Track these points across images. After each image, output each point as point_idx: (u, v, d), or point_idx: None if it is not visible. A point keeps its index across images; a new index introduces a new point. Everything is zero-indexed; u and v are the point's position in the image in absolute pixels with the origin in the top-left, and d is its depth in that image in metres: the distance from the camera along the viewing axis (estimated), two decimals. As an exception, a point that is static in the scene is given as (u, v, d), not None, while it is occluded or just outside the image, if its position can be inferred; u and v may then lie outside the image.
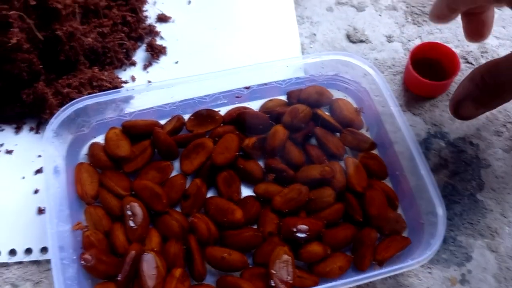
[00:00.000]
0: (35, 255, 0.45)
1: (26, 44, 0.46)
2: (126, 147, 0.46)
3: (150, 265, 0.41)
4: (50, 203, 0.40)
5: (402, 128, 0.45)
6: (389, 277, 0.45)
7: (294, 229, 0.42)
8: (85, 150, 0.47)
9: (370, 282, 0.45)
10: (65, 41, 0.48)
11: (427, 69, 0.51)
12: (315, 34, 0.58)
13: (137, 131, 0.47)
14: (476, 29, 0.46)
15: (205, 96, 0.49)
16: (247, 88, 0.50)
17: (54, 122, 0.43)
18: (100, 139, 0.48)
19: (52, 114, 0.48)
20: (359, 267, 0.43)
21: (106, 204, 0.44)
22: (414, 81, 0.52)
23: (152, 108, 0.48)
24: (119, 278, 0.40)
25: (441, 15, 0.46)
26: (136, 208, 0.43)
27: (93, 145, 0.47)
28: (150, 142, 0.47)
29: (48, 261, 0.45)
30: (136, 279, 0.41)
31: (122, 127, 0.47)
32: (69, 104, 0.44)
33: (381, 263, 0.43)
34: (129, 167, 0.46)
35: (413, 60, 0.52)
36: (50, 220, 0.40)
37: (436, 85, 0.51)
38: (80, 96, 0.47)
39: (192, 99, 0.49)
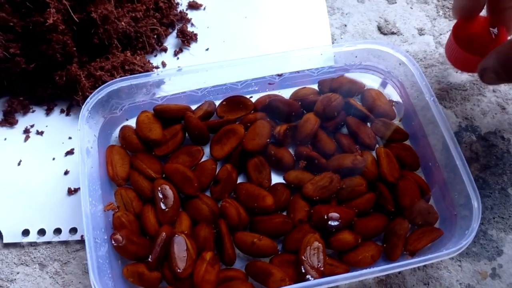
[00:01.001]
0: (64, 236, 0.45)
1: (62, 25, 0.46)
2: (158, 130, 0.46)
3: (180, 247, 0.41)
4: (84, 181, 0.40)
5: (438, 118, 0.44)
6: (419, 268, 0.45)
7: (326, 217, 0.42)
8: (116, 132, 0.48)
9: (400, 273, 0.45)
10: (100, 24, 0.48)
11: (471, 43, 0.47)
12: (345, 25, 0.58)
13: (169, 115, 0.47)
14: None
15: (237, 82, 0.49)
16: (279, 75, 0.49)
17: (90, 101, 0.43)
18: (131, 122, 0.48)
19: (84, 96, 0.48)
20: (390, 257, 0.42)
21: (137, 186, 0.44)
22: (458, 56, 0.48)
23: (183, 92, 0.48)
24: (149, 260, 0.40)
25: (465, 7, 0.45)
26: (167, 191, 0.43)
27: (125, 128, 0.47)
28: (181, 127, 0.47)
29: (76, 242, 0.45)
30: (166, 261, 0.41)
31: (154, 111, 0.47)
32: (104, 85, 0.44)
33: (412, 254, 0.42)
34: (160, 151, 0.46)
35: (456, 35, 0.48)
36: (84, 198, 0.40)
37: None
38: (112, 79, 0.47)
39: (224, 85, 0.49)
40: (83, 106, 0.43)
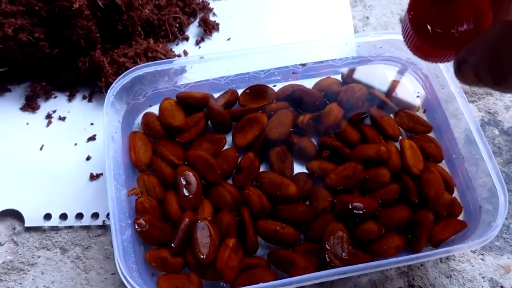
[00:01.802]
0: (86, 220, 0.45)
1: (87, 11, 0.46)
2: (181, 117, 0.46)
3: (204, 233, 0.41)
4: (110, 166, 0.40)
5: (464, 111, 0.44)
6: (441, 261, 0.45)
7: (350, 206, 0.42)
8: (139, 119, 0.48)
9: (422, 265, 0.44)
10: (124, 10, 0.48)
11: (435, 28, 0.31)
12: (368, 18, 0.58)
13: (192, 103, 0.47)
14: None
15: (260, 71, 0.49)
16: (303, 65, 0.49)
17: (115, 87, 0.43)
18: (154, 109, 0.48)
19: (107, 83, 0.48)
20: (414, 248, 0.42)
21: (160, 172, 0.44)
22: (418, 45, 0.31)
23: (207, 80, 0.48)
24: (173, 245, 0.40)
25: None
26: (190, 177, 0.43)
27: (148, 115, 0.47)
28: (204, 114, 0.47)
29: (98, 227, 0.45)
30: (189, 247, 0.41)
31: (177, 98, 0.47)
32: (129, 70, 0.44)
33: (436, 245, 0.42)
34: (183, 138, 0.46)
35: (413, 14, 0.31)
36: (110, 182, 0.40)
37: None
38: (135, 66, 0.47)
39: (247, 73, 0.49)
40: (108, 91, 0.43)
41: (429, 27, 0.30)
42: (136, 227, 0.40)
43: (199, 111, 0.47)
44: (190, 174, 0.43)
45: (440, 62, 0.31)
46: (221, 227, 0.42)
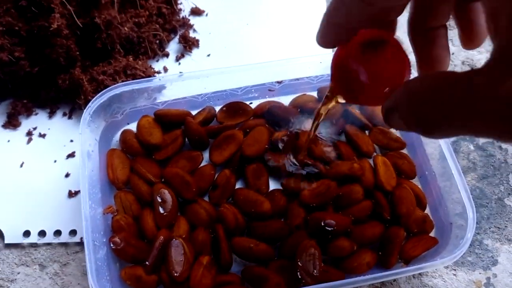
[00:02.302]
0: (64, 237, 0.46)
1: (66, 30, 0.47)
2: (158, 135, 0.47)
3: (178, 251, 0.41)
4: (84, 184, 0.41)
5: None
6: (414, 277, 0.45)
7: (322, 223, 0.42)
8: (117, 136, 0.48)
9: (395, 281, 0.45)
10: (103, 29, 0.49)
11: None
12: (346, 33, 0.58)
13: (169, 120, 0.48)
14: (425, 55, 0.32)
15: (237, 88, 0.50)
16: (279, 82, 0.50)
17: (92, 106, 0.44)
18: (132, 126, 0.48)
19: (86, 100, 0.49)
20: (385, 265, 0.43)
21: (137, 190, 0.45)
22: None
23: (184, 98, 0.49)
24: (147, 263, 0.41)
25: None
26: (166, 195, 0.44)
27: (126, 132, 0.47)
28: (181, 132, 0.48)
29: (76, 244, 0.46)
30: (163, 264, 0.41)
31: (155, 116, 0.48)
32: (106, 89, 0.45)
33: (407, 262, 0.43)
34: (160, 155, 0.47)
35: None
36: (84, 200, 0.40)
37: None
38: (115, 84, 0.48)
39: (224, 91, 0.49)
40: (84, 110, 0.44)
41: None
42: (112, 245, 0.41)
43: (176, 128, 0.48)
44: (166, 192, 0.44)
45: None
46: (196, 244, 0.42)
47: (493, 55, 0.21)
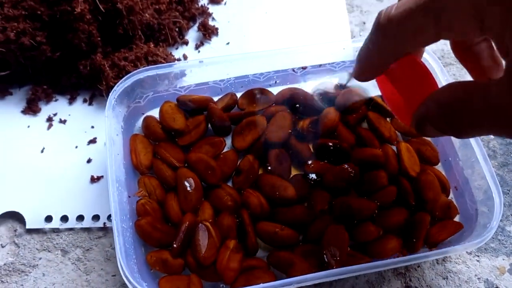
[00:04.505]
0: (87, 222, 0.45)
1: (88, 15, 0.47)
2: (181, 120, 0.46)
3: (204, 235, 0.41)
4: (112, 167, 0.41)
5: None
6: (438, 262, 0.45)
7: (347, 208, 0.42)
8: (139, 122, 0.48)
9: (419, 266, 0.45)
10: (125, 15, 0.49)
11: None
12: (364, 23, 0.58)
13: (192, 106, 0.47)
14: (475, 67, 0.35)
15: (259, 75, 0.49)
16: (303, 68, 0.50)
17: (117, 89, 0.44)
18: (154, 112, 0.48)
19: (108, 86, 0.49)
20: (410, 250, 0.43)
21: (161, 174, 0.45)
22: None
23: (206, 84, 0.49)
24: (174, 245, 0.40)
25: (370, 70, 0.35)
26: (190, 180, 0.44)
27: (148, 118, 0.47)
28: (204, 117, 0.47)
29: (99, 229, 0.45)
30: (190, 248, 0.41)
31: (177, 101, 0.47)
32: (130, 74, 0.45)
33: (433, 247, 0.43)
34: (183, 140, 0.46)
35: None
36: (112, 184, 0.40)
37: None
38: (136, 70, 0.47)
39: (246, 76, 0.49)
40: (110, 94, 0.44)
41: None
42: (137, 228, 0.41)
43: (199, 114, 0.48)
44: (190, 176, 0.44)
45: None
46: (222, 229, 0.42)
47: (505, 71, 0.26)
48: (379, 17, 0.31)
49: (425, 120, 0.31)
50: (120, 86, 0.44)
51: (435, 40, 0.30)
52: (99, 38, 0.49)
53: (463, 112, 0.28)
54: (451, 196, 0.46)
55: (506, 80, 0.26)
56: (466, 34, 0.28)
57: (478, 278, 0.45)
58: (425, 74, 0.33)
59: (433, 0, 0.27)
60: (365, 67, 0.35)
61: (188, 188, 0.43)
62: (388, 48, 0.32)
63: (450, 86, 0.29)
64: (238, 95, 0.49)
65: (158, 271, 0.41)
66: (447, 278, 0.45)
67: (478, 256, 0.46)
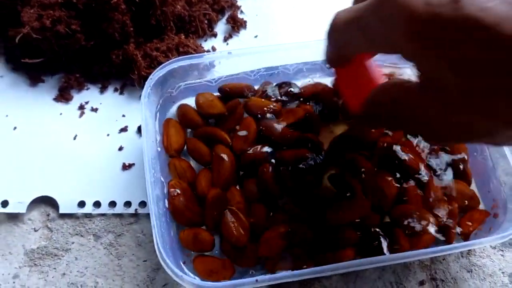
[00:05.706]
0: (119, 208, 0.46)
1: (123, 5, 0.48)
2: (220, 105, 0.47)
3: (235, 216, 0.42)
4: (149, 153, 0.42)
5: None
6: (462, 256, 0.46)
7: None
8: (170, 113, 0.49)
9: (444, 259, 0.46)
10: (158, 6, 0.50)
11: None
12: (391, 19, 0.59)
13: (232, 94, 0.48)
14: None
15: (289, 65, 0.50)
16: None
17: (153, 78, 0.45)
18: (185, 102, 0.49)
19: (140, 76, 0.49)
20: (447, 240, 0.43)
21: (196, 152, 0.45)
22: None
23: (237, 74, 0.49)
24: (205, 224, 0.42)
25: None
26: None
27: (184, 106, 0.48)
28: (242, 105, 0.47)
29: (130, 215, 0.46)
30: (221, 227, 0.42)
31: (219, 90, 0.48)
32: (164, 63, 0.46)
33: (467, 236, 0.43)
34: (222, 127, 0.47)
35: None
36: (149, 169, 0.41)
37: None
38: (167, 60, 0.48)
39: (276, 68, 0.50)
40: (146, 82, 0.45)
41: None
42: (171, 205, 0.42)
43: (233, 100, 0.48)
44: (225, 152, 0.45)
45: None
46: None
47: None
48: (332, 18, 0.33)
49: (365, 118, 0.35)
50: (156, 75, 0.45)
51: (368, 51, 0.34)
52: (132, 28, 0.50)
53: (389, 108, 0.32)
54: (476, 189, 0.47)
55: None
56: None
57: (503, 272, 0.46)
58: (368, 75, 0.36)
59: (361, 16, 0.30)
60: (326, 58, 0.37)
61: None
62: (333, 50, 0.35)
63: (381, 86, 0.33)
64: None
65: (189, 249, 0.42)
66: (471, 271, 0.46)
67: (502, 250, 0.47)
